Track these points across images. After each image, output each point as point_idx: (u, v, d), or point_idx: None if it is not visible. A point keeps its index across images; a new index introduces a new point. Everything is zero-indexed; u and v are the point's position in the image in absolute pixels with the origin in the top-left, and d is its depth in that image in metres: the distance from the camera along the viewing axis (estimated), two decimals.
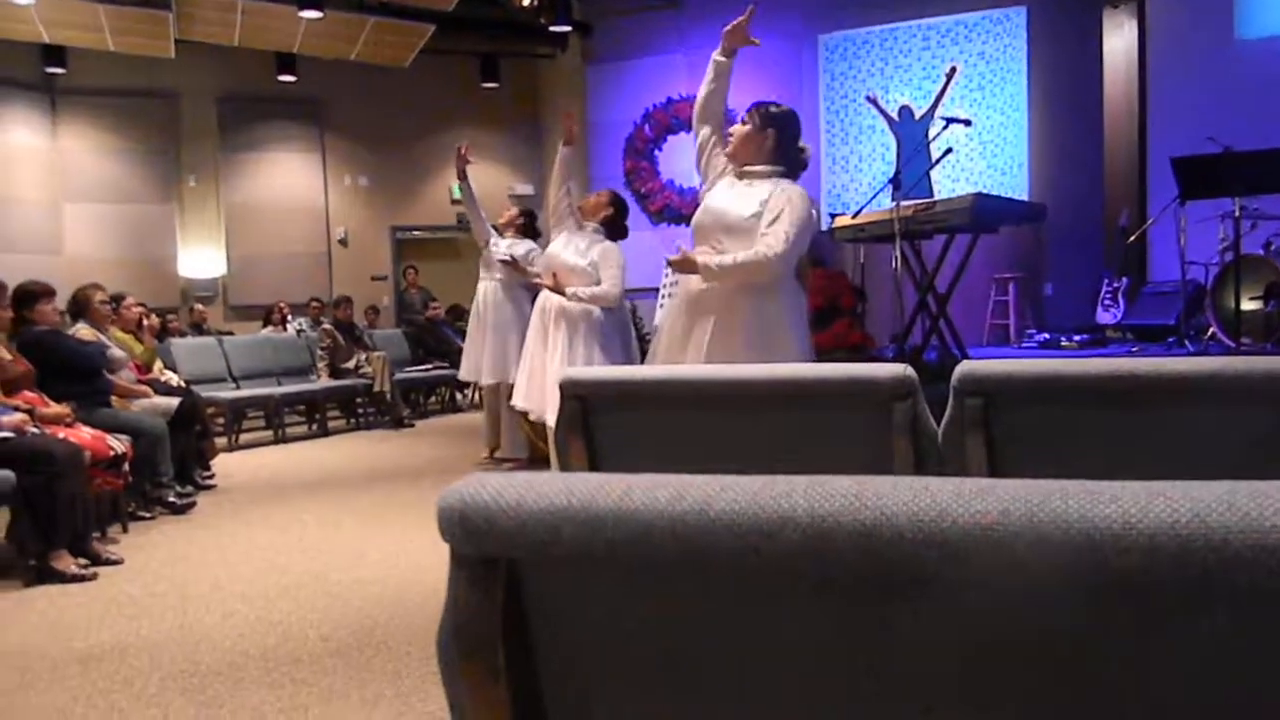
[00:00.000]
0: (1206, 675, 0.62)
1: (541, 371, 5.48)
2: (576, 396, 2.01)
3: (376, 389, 9.58)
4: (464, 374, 7.18)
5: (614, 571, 0.72)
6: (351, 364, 9.68)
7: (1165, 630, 0.62)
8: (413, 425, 9.75)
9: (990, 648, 0.66)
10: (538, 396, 5.49)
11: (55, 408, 4.85)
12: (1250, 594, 0.57)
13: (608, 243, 5.56)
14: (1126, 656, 0.63)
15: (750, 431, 1.96)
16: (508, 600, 0.73)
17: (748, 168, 3.49)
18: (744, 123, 3.53)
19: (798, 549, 0.64)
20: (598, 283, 5.42)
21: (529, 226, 7.12)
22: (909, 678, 0.67)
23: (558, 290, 5.42)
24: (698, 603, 0.71)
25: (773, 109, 3.53)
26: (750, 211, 3.37)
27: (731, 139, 3.55)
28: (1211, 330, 6.68)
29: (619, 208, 5.78)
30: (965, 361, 1.86)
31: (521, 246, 6.85)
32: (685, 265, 3.42)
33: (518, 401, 5.70)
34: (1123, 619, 0.62)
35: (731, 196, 3.48)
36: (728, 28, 3.62)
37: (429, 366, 10.79)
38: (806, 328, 3.60)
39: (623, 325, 5.69)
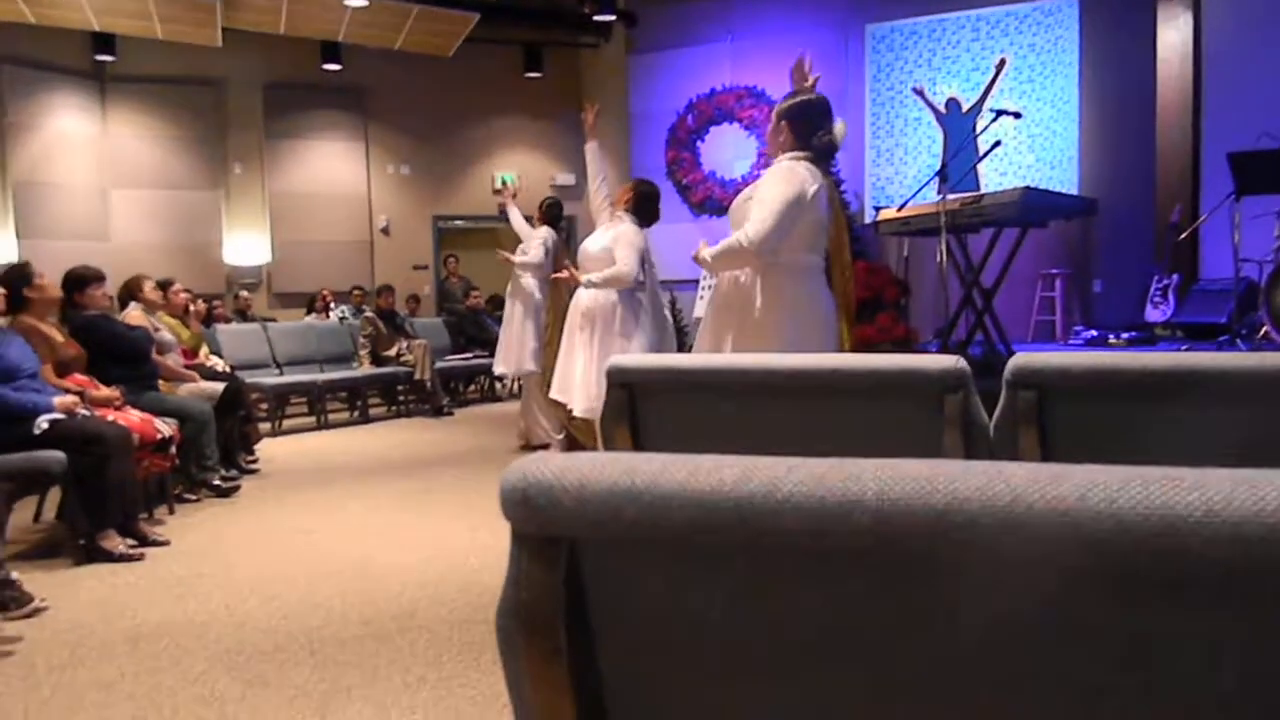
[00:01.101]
0: None
1: (571, 365, 5.55)
2: (623, 384, 2.01)
3: (417, 377, 9.65)
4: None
5: (676, 552, 0.71)
6: (393, 352, 9.75)
7: (1250, 619, 0.60)
8: (452, 413, 9.81)
9: (1067, 633, 0.64)
10: (568, 389, 5.57)
11: (105, 391, 4.93)
12: None
13: (624, 225, 5.55)
14: (1207, 644, 0.61)
15: (798, 421, 1.95)
16: (569, 580, 0.72)
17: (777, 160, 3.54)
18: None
19: (867, 532, 0.63)
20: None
21: (549, 216, 7.23)
22: (981, 661, 0.66)
23: (574, 279, 5.52)
24: (762, 585, 0.70)
25: (784, 103, 3.56)
26: (745, 197, 3.47)
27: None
28: (1265, 329, 6.55)
29: (642, 192, 5.77)
30: (1019, 354, 1.83)
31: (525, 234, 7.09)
32: (699, 259, 3.56)
33: (553, 393, 5.79)
34: (1206, 609, 0.60)
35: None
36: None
37: (469, 355, 10.85)
38: (818, 320, 3.44)
39: (649, 314, 5.68)
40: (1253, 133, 6.87)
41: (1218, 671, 0.62)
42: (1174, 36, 9.43)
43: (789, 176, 3.35)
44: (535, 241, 6.94)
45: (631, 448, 2.01)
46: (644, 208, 5.69)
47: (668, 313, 6.30)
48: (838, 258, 3.47)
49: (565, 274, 5.70)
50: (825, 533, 0.64)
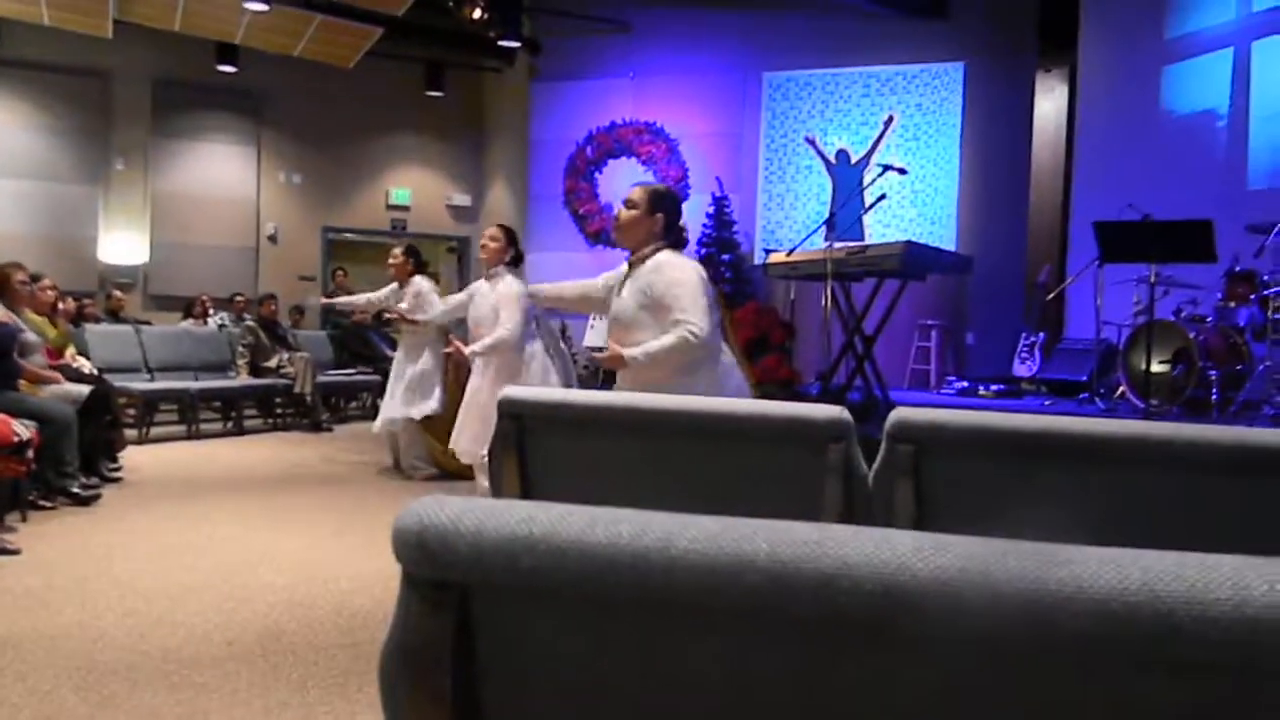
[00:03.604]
0: None
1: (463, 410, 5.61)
2: (512, 416, 2.00)
3: (297, 390, 9.41)
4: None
5: (569, 603, 0.72)
6: (273, 363, 9.49)
7: (1110, 694, 0.64)
8: (331, 429, 9.58)
9: (940, 699, 0.67)
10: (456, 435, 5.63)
11: None
12: (1194, 664, 0.59)
13: (504, 281, 5.51)
14: (1071, 717, 0.65)
15: (683, 462, 1.97)
16: (458, 626, 0.72)
17: (638, 252, 3.43)
18: (629, 205, 3.46)
19: (757, 592, 0.65)
20: None
21: (417, 263, 6.91)
22: None
23: (460, 354, 5.45)
24: (652, 639, 0.71)
25: (659, 190, 3.53)
26: (636, 304, 3.34)
27: (618, 222, 3.48)
28: (1122, 389, 6.90)
29: (507, 241, 5.71)
30: (899, 409, 1.90)
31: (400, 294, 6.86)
32: (615, 361, 3.29)
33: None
34: (1070, 680, 0.64)
35: (624, 296, 3.43)
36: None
37: (352, 371, 10.64)
38: (733, 383, 3.40)
39: (543, 358, 5.63)
40: (1118, 204, 7.26)
41: None
42: (1049, 106, 9.94)
43: (694, 268, 3.33)
44: (430, 299, 6.65)
45: (518, 479, 2.00)
46: (515, 252, 5.66)
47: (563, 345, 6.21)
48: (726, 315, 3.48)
49: (454, 350, 5.58)
50: (717, 590, 0.65)
